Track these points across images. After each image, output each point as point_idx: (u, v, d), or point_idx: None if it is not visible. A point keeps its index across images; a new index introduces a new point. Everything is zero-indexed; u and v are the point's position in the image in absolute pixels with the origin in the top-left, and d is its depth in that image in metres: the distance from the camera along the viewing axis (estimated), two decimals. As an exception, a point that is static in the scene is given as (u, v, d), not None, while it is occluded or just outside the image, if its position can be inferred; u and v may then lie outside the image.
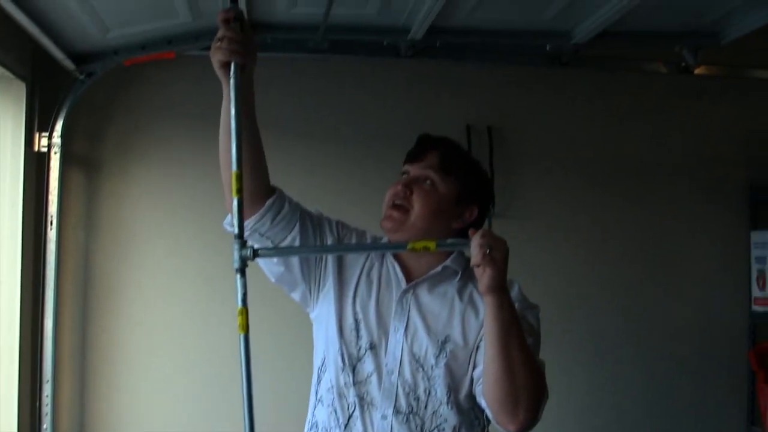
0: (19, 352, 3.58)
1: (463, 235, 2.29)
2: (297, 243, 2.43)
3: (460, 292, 2.48)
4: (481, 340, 2.37)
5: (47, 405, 3.72)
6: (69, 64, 3.49)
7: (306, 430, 2.56)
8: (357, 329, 2.44)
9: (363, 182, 3.94)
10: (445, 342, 2.41)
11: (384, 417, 2.39)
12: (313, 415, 2.52)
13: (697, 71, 3.93)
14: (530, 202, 4.17)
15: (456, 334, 2.41)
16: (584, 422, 4.21)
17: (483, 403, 2.31)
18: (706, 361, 4.27)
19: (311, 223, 2.48)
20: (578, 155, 4.21)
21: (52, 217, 3.74)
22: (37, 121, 3.69)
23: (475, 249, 2.14)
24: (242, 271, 2.12)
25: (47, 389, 3.72)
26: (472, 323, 2.43)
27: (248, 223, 2.36)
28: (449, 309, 2.45)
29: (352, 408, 2.42)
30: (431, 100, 4.11)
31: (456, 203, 2.48)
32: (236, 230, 2.12)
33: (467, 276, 2.48)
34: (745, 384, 4.29)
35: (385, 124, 4.05)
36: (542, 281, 4.08)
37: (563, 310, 4.13)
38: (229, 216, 2.41)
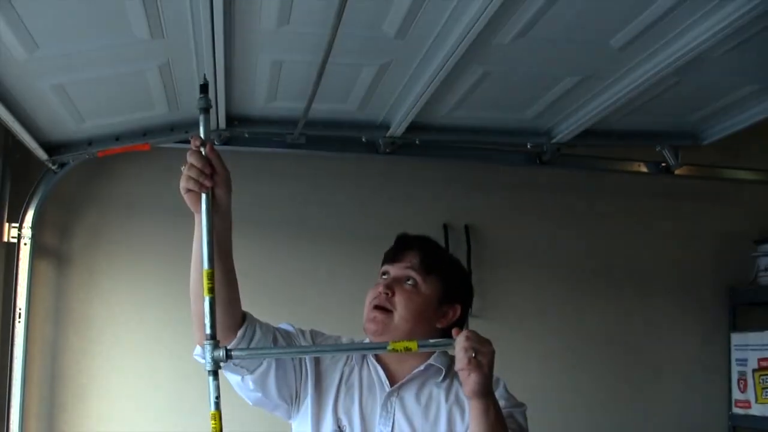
0: (-19, 449, 3.49)
1: (447, 334, 2.27)
2: (273, 367, 2.35)
3: (446, 392, 2.42)
4: None
5: None
6: (42, 154, 3.44)
7: None
8: (341, 430, 2.38)
9: (336, 277, 3.91)
10: None
11: None
12: None
13: (677, 172, 3.94)
14: (508, 303, 4.12)
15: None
16: None
17: None
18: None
19: (285, 343, 2.40)
20: (557, 255, 4.18)
21: (20, 309, 3.65)
22: (7, 210, 3.64)
23: (459, 353, 2.08)
24: (215, 373, 2.06)
25: (13, 491, 3.61)
26: (458, 424, 2.37)
27: None
28: (435, 410, 2.40)
29: None
30: (408, 198, 4.08)
31: (439, 303, 2.42)
32: (208, 330, 2.06)
33: (452, 374, 2.41)
34: (726, 487, 4.23)
35: (361, 220, 4.02)
36: (520, 383, 3.99)
37: (542, 413, 3.98)
38: (198, 347, 2.32)
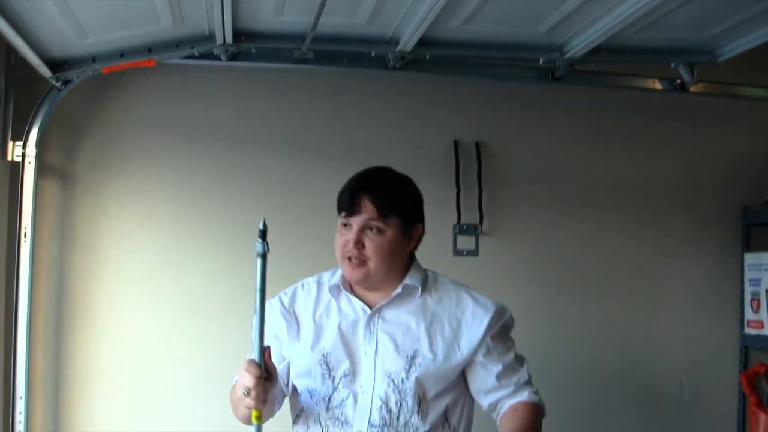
0: (-10, 368, 3.49)
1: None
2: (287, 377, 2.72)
3: (423, 308, 2.68)
4: (467, 362, 2.65)
5: (20, 422, 3.60)
6: (45, 71, 3.36)
7: None
8: (327, 364, 2.61)
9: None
10: (414, 357, 2.60)
11: None
12: None
13: (692, 89, 3.85)
14: (518, 220, 4.07)
15: (424, 348, 2.61)
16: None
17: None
18: (697, 384, 4.20)
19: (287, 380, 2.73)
20: (569, 172, 4.12)
21: (26, 230, 3.61)
22: (11, 129, 3.59)
23: None
24: None
25: (20, 405, 3.60)
26: (438, 339, 2.64)
27: None
28: (415, 325, 2.65)
29: (326, 429, 2.60)
30: (419, 115, 4.02)
31: (403, 234, 2.67)
32: None
33: (426, 290, 2.71)
34: (736, 407, 4.22)
35: (371, 137, 3.96)
36: (528, 299, 4.02)
37: (548, 328, 4.06)
38: None
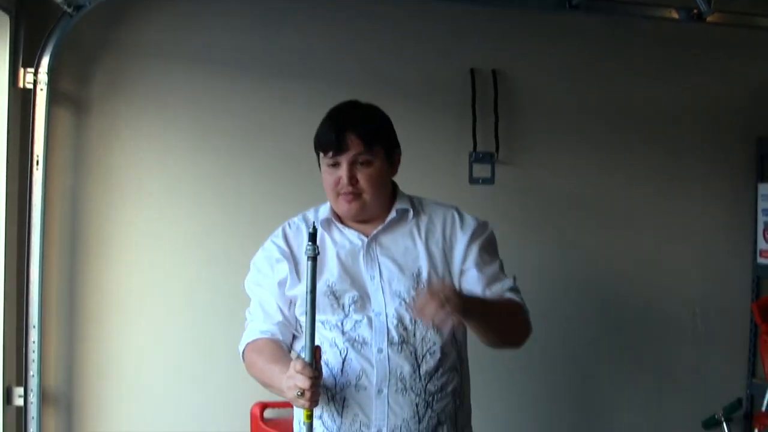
0: (3, 296, 3.49)
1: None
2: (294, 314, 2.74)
3: (418, 228, 2.74)
4: (460, 273, 2.71)
5: (34, 351, 3.59)
6: (57, -4, 3.33)
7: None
8: (334, 294, 2.65)
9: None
10: (418, 274, 2.66)
11: (380, 350, 2.60)
12: None
13: (709, 19, 3.83)
14: (534, 148, 4.07)
15: (425, 265, 2.67)
16: (583, 367, 4.20)
17: None
18: (710, 313, 4.24)
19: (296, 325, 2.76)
20: (584, 102, 4.10)
21: (38, 157, 3.58)
22: (22, 56, 3.55)
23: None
24: None
25: (34, 335, 3.59)
26: (436, 254, 2.70)
27: None
28: (413, 245, 2.71)
29: (344, 352, 2.61)
30: (436, 43, 3.98)
31: (388, 162, 2.70)
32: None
33: (416, 213, 2.76)
34: (748, 336, 4.27)
35: (389, 66, 3.93)
36: (542, 228, 4.09)
37: (563, 257, 4.11)
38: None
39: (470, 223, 2.76)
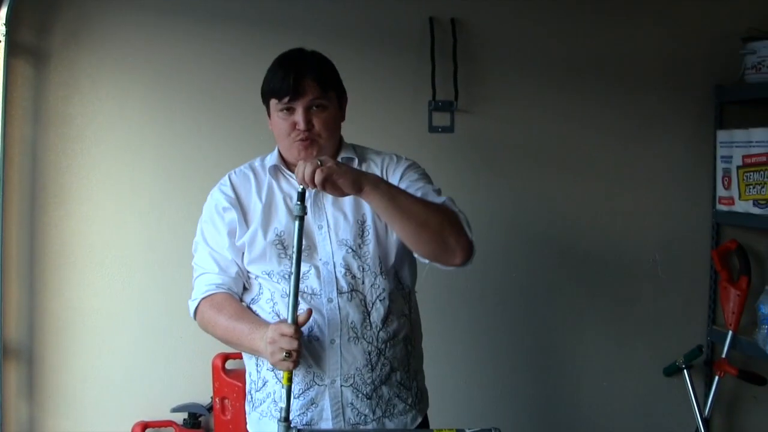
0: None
1: None
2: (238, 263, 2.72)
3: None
4: None
5: (-6, 303, 3.61)
6: (14, -57, 3.32)
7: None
8: (282, 243, 2.65)
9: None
10: (363, 222, 2.68)
11: (330, 300, 2.61)
12: None
13: (667, -35, 3.83)
14: (493, 96, 4.05)
15: (368, 211, 2.67)
16: (542, 315, 4.22)
17: (421, 259, 2.60)
18: (669, 260, 4.25)
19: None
20: (543, 50, 4.09)
21: (-4, 109, 3.57)
22: (-22, 7, 3.52)
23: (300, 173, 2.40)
24: None
25: (-6, 286, 3.60)
26: None
27: None
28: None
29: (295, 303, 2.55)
30: (393, -9, 3.96)
31: (340, 107, 2.74)
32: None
33: (360, 160, 2.77)
34: (708, 283, 4.29)
35: (346, 15, 3.91)
36: (503, 176, 4.09)
37: (522, 205, 4.13)
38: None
39: (406, 161, 2.79)
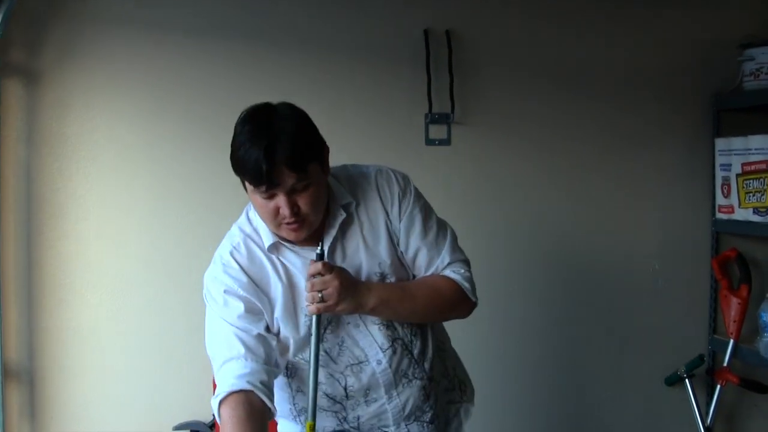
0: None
1: None
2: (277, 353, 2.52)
3: (360, 220, 2.53)
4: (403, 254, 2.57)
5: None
6: (4, -36, 3.29)
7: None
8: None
9: (318, 85, 3.79)
10: (383, 271, 2.52)
11: (379, 362, 2.53)
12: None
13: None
14: (490, 108, 4.03)
15: (385, 256, 2.53)
16: (541, 326, 4.20)
17: None
18: (669, 269, 4.24)
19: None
20: (540, 59, 4.07)
21: (-11, 130, 3.56)
22: (-32, 26, 3.50)
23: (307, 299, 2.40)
24: None
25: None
26: (385, 240, 2.53)
27: None
28: (364, 241, 2.53)
29: (344, 380, 2.54)
30: (388, 5, 3.93)
31: (323, 170, 2.42)
32: None
33: (358, 200, 2.53)
34: (708, 292, 4.27)
35: (341, 29, 3.89)
36: (500, 187, 4.07)
37: (521, 217, 4.11)
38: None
39: (405, 196, 2.55)
